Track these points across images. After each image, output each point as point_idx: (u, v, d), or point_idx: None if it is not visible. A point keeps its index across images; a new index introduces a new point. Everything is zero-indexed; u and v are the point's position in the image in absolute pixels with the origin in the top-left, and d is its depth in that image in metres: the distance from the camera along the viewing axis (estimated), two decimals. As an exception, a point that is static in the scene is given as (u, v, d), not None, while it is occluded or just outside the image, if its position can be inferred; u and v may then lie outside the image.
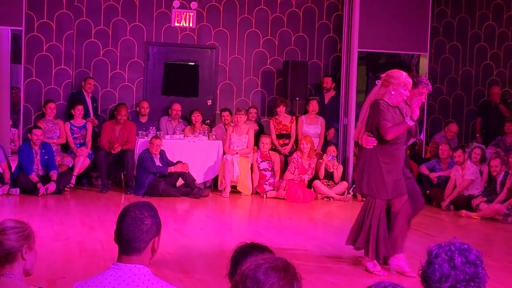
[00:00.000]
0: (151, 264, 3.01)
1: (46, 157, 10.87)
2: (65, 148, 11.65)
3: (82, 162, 11.29)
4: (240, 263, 2.96)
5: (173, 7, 12.70)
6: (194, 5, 12.76)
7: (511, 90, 14.22)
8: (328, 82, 12.98)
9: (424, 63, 13.14)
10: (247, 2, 13.02)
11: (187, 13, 12.78)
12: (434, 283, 2.66)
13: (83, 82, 12.07)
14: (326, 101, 12.97)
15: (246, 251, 3.03)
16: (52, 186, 10.62)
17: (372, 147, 6.52)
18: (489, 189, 10.90)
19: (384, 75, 6.56)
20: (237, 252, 3.05)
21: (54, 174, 10.75)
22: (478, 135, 13.50)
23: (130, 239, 2.88)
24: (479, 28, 14.02)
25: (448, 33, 13.87)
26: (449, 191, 11.17)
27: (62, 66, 12.20)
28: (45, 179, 10.70)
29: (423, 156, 12.82)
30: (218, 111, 13.00)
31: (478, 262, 2.67)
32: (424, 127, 13.30)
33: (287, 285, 2.31)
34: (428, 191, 11.65)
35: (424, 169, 11.81)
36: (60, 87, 12.20)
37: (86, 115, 11.81)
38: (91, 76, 12.24)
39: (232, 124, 12.12)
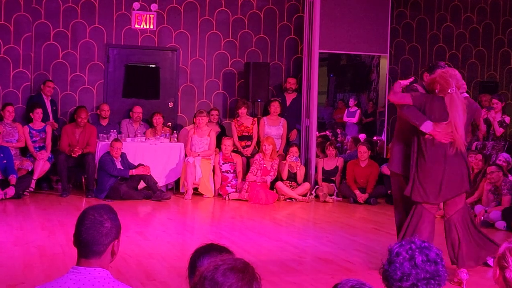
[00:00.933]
0: (112, 267, 2.98)
1: (5, 161, 10.70)
2: (24, 152, 11.48)
3: (42, 166, 11.15)
4: (197, 264, 2.96)
5: (133, 9, 12.62)
6: (154, 7, 12.69)
7: (469, 91, 14.41)
8: (293, 83, 13.02)
9: (384, 64, 13.26)
10: (208, 3, 13.00)
11: (148, 15, 12.70)
12: (395, 282, 2.67)
13: (42, 85, 11.92)
14: (288, 102, 13.00)
15: (202, 251, 3.02)
16: (11, 191, 10.46)
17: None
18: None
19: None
20: (194, 253, 3.04)
21: (13, 179, 10.59)
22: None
23: (89, 242, 2.84)
24: (437, 29, 14.19)
25: (408, 34, 14.02)
26: (410, 190, 11.25)
27: (20, 69, 12.04)
28: (4, 183, 10.54)
29: (385, 156, 12.92)
30: (179, 113, 12.95)
31: (439, 260, 2.69)
32: (385, 128, 13.42)
33: (246, 286, 2.30)
34: (389, 191, 11.74)
35: (385, 169, 11.88)
36: (19, 90, 12.04)
37: (45, 119, 11.66)
38: (50, 79, 12.09)
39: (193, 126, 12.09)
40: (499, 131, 11.50)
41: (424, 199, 6.35)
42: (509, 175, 10.23)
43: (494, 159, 10.81)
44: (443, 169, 6.23)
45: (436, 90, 6.21)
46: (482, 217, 9.64)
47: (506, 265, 2.92)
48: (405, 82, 6.46)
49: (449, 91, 6.11)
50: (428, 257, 2.67)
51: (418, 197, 6.34)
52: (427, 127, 6.12)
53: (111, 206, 3.02)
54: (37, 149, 11.35)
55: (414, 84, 6.61)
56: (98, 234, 2.85)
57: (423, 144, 6.24)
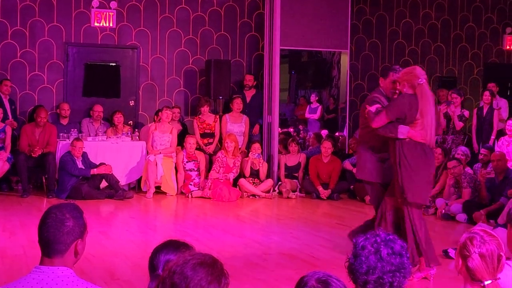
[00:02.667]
0: (76, 267, 2.94)
1: (-37, 162, 10.53)
2: (-17, 152, 11.30)
3: (1, 166, 10.97)
4: (154, 261, 2.97)
5: (92, 7, 12.49)
6: (113, 4, 12.58)
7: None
8: (250, 79, 13.02)
9: (345, 60, 13.35)
10: (168, 1, 12.93)
11: (107, 13, 12.59)
12: (361, 275, 2.68)
13: (-1, 85, 11.74)
14: (248, 99, 13.00)
15: (159, 248, 3.03)
16: (-30, 192, 10.29)
17: None
18: (411, 182, 11.12)
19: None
20: (153, 250, 3.05)
21: (-28, 180, 10.43)
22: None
23: (50, 241, 2.81)
24: (397, 25, 14.32)
25: (368, 31, 14.12)
26: (372, 185, 11.35)
27: (-22, 69, 11.86)
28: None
29: (347, 152, 13.00)
30: (140, 112, 12.87)
31: (403, 252, 2.71)
32: (347, 123, 13.50)
33: (215, 281, 2.30)
34: (352, 186, 11.84)
35: (347, 165, 11.97)
36: (-24, 90, 11.83)
37: (4, 118, 11.48)
38: (8, 78, 11.92)
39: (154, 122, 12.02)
40: (459, 125, 11.65)
41: (423, 200, 6.40)
42: (468, 168, 10.38)
43: (454, 153, 10.94)
44: (428, 168, 6.32)
45: (404, 89, 6.26)
46: (443, 210, 9.76)
47: (468, 254, 2.97)
48: (372, 109, 6.41)
49: (419, 81, 6.17)
50: (393, 250, 2.69)
51: (419, 198, 6.33)
52: (403, 132, 6.17)
53: (77, 205, 2.99)
54: (-4, 149, 11.18)
55: (375, 95, 6.64)
56: (59, 232, 2.82)
57: (405, 148, 6.23)
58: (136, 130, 12.20)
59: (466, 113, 11.80)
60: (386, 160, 6.63)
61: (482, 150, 10.60)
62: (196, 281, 2.27)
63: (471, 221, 9.10)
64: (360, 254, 2.70)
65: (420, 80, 6.17)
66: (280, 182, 12.07)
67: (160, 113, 11.97)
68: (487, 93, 12.06)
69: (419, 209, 6.41)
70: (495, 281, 2.95)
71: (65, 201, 10.28)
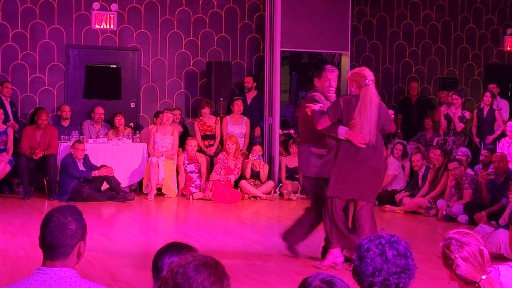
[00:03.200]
0: (77, 269, 2.94)
1: (-36, 164, 10.53)
2: (-16, 155, 11.30)
3: (2, 168, 10.98)
4: (158, 263, 2.98)
5: (93, 9, 12.51)
6: (114, 6, 12.59)
7: (430, 87, 14.59)
8: (249, 81, 13.02)
9: (345, 61, 13.33)
10: (169, 3, 12.94)
11: (108, 15, 12.60)
12: (367, 277, 2.68)
13: (0, 87, 11.74)
14: (249, 101, 13.00)
15: (162, 251, 3.05)
16: (-29, 194, 10.30)
17: None
18: (411, 184, 11.15)
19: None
20: (156, 253, 3.06)
21: (-27, 182, 10.43)
22: (399, 131, 13.77)
23: (54, 245, 2.82)
24: (397, 26, 14.33)
25: (368, 32, 14.12)
26: (373, 186, 11.34)
27: (-21, 71, 11.87)
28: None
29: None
30: (141, 114, 12.87)
31: (408, 253, 2.71)
32: (347, 125, 13.48)
33: (217, 282, 2.31)
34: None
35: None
36: (-23, 92, 11.84)
37: (5, 120, 11.49)
38: (9, 80, 11.93)
39: (158, 124, 12.03)
40: (460, 126, 11.64)
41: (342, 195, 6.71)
42: (469, 169, 10.38)
43: (454, 154, 10.94)
44: (362, 167, 6.57)
45: (352, 89, 6.62)
46: (445, 212, 9.76)
47: (451, 262, 2.95)
48: (316, 107, 6.67)
49: (366, 82, 6.47)
50: (398, 251, 2.69)
51: (338, 193, 6.67)
52: (341, 133, 6.50)
53: (76, 207, 3.00)
54: (-2, 151, 11.18)
55: (314, 94, 6.95)
56: (63, 236, 2.83)
57: (345, 147, 6.55)
58: (137, 132, 12.19)
59: (467, 114, 11.79)
60: (323, 157, 6.92)
61: (483, 151, 10.59)
62: (199, 282, 2.28)
63: (473, 222, 9.09)
64: (365, 256, 2.70)
65: (367, 81, 6.45)
66: (281, 184, 12.06)
67: (160, 115, 11.98)
68: (488, 94, 12.05)
69: (342, 201, 6.75)
70: (488, 274, 2.94)
71: (66, 203, 10.29)
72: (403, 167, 11.55)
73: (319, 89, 7.01)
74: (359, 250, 2.73)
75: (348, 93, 6.54)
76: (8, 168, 11.09)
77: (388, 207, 10.70)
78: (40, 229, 2.88)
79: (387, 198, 11.03)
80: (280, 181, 12.21)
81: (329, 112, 6.53)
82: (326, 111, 6.59)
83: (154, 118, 12.31)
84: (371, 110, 6.46)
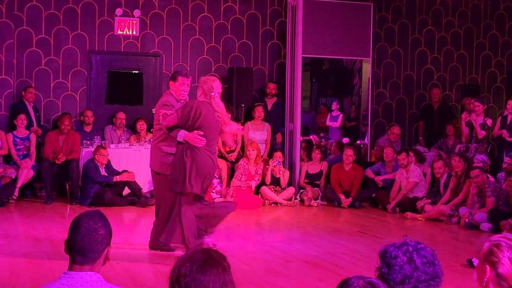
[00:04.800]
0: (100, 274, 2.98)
1: (-12, 169, 10.64)
2: (7, 159, 11.41)
3: (25, 173, 11.06)
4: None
5: (116, 15, 12.60)
6: (137, 12, 12.67)
7: (452, 93, 14.52)
8: (273, 88, 13.04)
9: (367, 68, 13.32)
10: (191, 9, 13.00)
11: (130, 21, 12.68)
12: (396, 285, 2.66)
13: (23, 92, 11.85)
14: (269, 107, 13.02)
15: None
16: (-6, 198, 10.40)
17: None
18: (433, 191, 11.10)
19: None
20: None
21: (-4, 186, 10.54)
22: (421, 138, 13.74)
23: (84, 250, 2.86)
24: (419, 33, 14.28)
25: (390, 39, 14.09)
26: (394, 193, 11.34)
27: (3, 76, 11.98)
28: (-13, 191, 10.47)
29: (368, 160, 12.98)
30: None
31: (436, 261, 2.70)
32: (368, 131, 13.47)
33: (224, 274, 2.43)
34: (373, 194, 11.82)
35: (369, 173, 11.96)
36: (1, 97, 11.97)
37: (29, 125, 11.60)
38: (32, 85, 12.04)
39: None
40: (481, 133, 11.57)
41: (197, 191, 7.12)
42: (490, 176, 10.32)
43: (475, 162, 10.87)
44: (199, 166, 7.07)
45: (198, 94, 7.16)
46: (467, 219, 9.70)
47: (496, 259, 2.92)
48: (168, 111, 7.21)
49: (212, 94, 7.04)
50: (427, 258, 2.67)
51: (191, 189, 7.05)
52: (181, 135, 7.03)
53: (101, 212, 3.03)
54: (21, 157, 11.27)
55: (167, 99, 7.54)
56: (94, 242, 2.88)
57: (179, 148, 7.09)
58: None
59: (489, 121, 11.71)
60: (171, 155, 7.38)
61: (506, 159, 10.51)
62: (211, 282, 2.39)
63: (496, 230, 9.01)
64: (393, 264, 2.68)
65: (213, 93, 7.04)
66: (301, 190, 12.05)
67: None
68: (511, 102, 11.96)
69: (188, 197, 7.11)
70: None
71: (88, 207, 10.38)
72: (424, 174, 11.51)
73: (173, 91, 7.66)
74: (385, 257, 2.71)
75: (198, 96, 7.21)
76: (31, 173, 11.18)
77: (409, 214, 10.65)
78: (68, 234, 2.91)
79: (409, 205, 11.00)
80: (301, 187, 12.20)
81: (178, 112, 7.05)
82: (175, 111, 7.13)
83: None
84: (211, 118, 7.03)
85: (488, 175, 10.43)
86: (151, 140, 11.80)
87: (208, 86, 7.08)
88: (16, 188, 10.93)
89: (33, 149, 11.39)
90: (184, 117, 6.97)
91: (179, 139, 7.07)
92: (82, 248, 2.86)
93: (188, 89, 7.87)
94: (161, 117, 7.23)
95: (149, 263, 7.07)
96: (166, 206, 7.37)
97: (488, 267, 2.96)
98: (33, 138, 11.44)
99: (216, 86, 7.10)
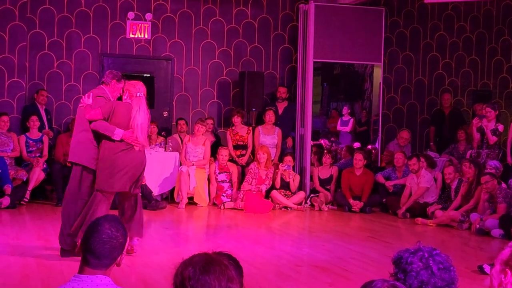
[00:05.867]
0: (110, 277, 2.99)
1: (0, 171, 10.68)
2: (19, 161, 11.46)
3: (37, 175, 11.11)
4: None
5: (128, 19, 12.64)
6: (149, 16, 12.72)
7: (463, 99, 14.49)
8: (284, 92, 13.04)
9: (378, 73, 13.31)
10: (202, 13, 13.04)
11: (142, 25, 12.72)
12: None
13: (35, 94, 11.92)
14: (280, 111, 13.02)
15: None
16: (6, 201, 10.44)
17: None
18: (444, 197, 11.07)
19: None
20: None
21: (8, 188, 10.57)
22: (431, 143, 13.71)
23: (102, 256, 2.90)
24: (431, 38, 14.26)
25: (401, 43, 14.08)
26: (405, 199, 11.31)
27: (16, 79, 12.04)
28: (-1, 193, 10.52)
29: (379, 165, 12.95)
30: (174, 122, 12.96)
31: (451, 267, 2.69)
32: (379, 136, 13.45)
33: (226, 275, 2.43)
34: (384, 200, 11.79)
35: (380, 178, 11.94)
36: (14, 99, 12.03)
37: (41, 127, 11.65)
38: (44, 88, 12.09)
39: (189, 134, 12.10)
40: (492, 139, 11.51)
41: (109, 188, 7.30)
42: (502, 182, 10.27)
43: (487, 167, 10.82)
44: (126, 162, 7.30)
45: (124, 96, 7.43)
46: (478, 225, 9.66)
47: None
48: (89, 100, 7.37)
49: (137, 94, 7.32)
50: (444, 264, 2.67)
51: (106, 187, 7.26)
52: (118, 134, 7.19)
53: (119, 218, 3.07)
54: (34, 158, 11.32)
55: (102, 88, 7.65)
56: (113, 249, 2.94)
57: (107, 145, 7.25)
58: (170, 141, 12.27)
59: (501, 127, 11.63)
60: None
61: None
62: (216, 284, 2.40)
63: (508, 236, 8.97)
64: (409, 270, 2.67)
65: (138, 93, 7.34)
66: (312, 195, 12.04)
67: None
68: (522, 107, 11.91)
69: (104, 195, 7.31)
70: None
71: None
72: (435, 180, 11.47)
73: (108, 90, 7.63)
74: (400, 263, 2.70)
75: (125, 98, 7.45)
76: (42, 175, 11.23)
77: (420, 219, 10.62)
78: (86, 235, 2.93)
79: (419, 210, 10.97)
80: (311, 191, 12.20)
81: (102, 107, 7.25)
82: (100, 106, 7.28)
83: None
84: (140, 116, 7.28)
85: (500, 180, 10.38)
86: (162, 143, 11.93)
87: (133, 88, 7.40)
88: (28, 191, 10.98)
89: (45, 151, 11.43)
90: (106, 113, 7.22)
91: (116, 137, 7.22)
92: (100, 253, 2.90)
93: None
94: (85, 108, 7.37)
95: (160, 266, 7.08)
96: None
97: (509, 271, 2.93)
98: (45, 140, 11.49)
99: (139, 88, 7.43)
